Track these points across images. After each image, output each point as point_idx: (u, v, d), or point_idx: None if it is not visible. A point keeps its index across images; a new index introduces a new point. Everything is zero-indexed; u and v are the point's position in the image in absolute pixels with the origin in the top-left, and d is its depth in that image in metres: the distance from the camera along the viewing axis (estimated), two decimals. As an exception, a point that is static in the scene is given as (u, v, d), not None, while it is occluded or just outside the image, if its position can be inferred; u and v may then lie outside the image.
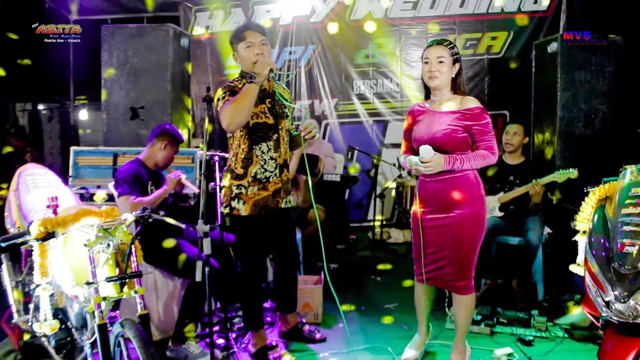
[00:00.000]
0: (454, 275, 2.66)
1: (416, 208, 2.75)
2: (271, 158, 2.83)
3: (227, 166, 2.94)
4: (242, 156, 2.82)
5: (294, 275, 3.24)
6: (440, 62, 2.60)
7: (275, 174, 2.86)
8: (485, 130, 2.59)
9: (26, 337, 2.80)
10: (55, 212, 2.51)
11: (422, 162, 2.54)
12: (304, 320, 3.37)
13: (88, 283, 2.14)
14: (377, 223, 5.74)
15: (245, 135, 2.81)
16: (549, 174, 3.72)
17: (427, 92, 2.75)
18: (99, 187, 4.10)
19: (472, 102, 2.61)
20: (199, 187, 2.62)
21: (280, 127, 2.86)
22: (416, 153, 2.65)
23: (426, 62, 2.64)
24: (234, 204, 2.84)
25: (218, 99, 2.74)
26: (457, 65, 2.65)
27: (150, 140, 3.29)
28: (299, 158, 4.11)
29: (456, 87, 2.67)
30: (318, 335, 3.22)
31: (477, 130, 2.59)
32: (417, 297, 2.92)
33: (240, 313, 3.59)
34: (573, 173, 3.64)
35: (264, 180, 2.83)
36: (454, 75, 2.65)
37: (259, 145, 2.81)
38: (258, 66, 2.68)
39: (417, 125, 2.72)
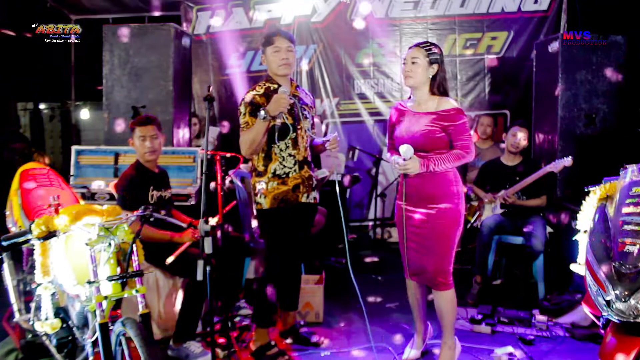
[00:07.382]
0: (433, 270, 2.73)
1: (399, 202, 2.84)
2: (290, 155, 2.90)
3: (251, 166, 3.04)
4: (262, 155, 2.91)
5: (297, 271, 3.25)
6: (414, 62, 2.69)
7: (295, 170, 2.92)
8: (461, 130, 2.66)
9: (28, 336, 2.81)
10: (56, 211, 2.52)
11: (401, 163, 2.63)
12: (302, 322, 3.37)
13: (89, 282, 2.15)
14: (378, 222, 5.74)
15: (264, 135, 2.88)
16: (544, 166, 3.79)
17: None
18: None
19: (448, 104, 2.69)
20: (200, 187, 2.62)
21: (299, 127, 2.92)
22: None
23: (404, 63, 2.75)
24: (258, 199, 2.93)
25: (241, 113, 2.85)
26: (435, 67, 2.70)
27: None
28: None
29: (434, 87, 2.72)
30: (314, 339, 3.21)
31: (453, 131, 2.66)
32: (409, 295, 2.96)
33: (240, 312, 3.60)
34: (567, 161, 3.67)
35: (284, 175, 2.90)
36: (430, 76, 2.70)
37: (278, 144, 2.88)
38: (272, 106, 2.72)
39: (399, 124, 2.80)
